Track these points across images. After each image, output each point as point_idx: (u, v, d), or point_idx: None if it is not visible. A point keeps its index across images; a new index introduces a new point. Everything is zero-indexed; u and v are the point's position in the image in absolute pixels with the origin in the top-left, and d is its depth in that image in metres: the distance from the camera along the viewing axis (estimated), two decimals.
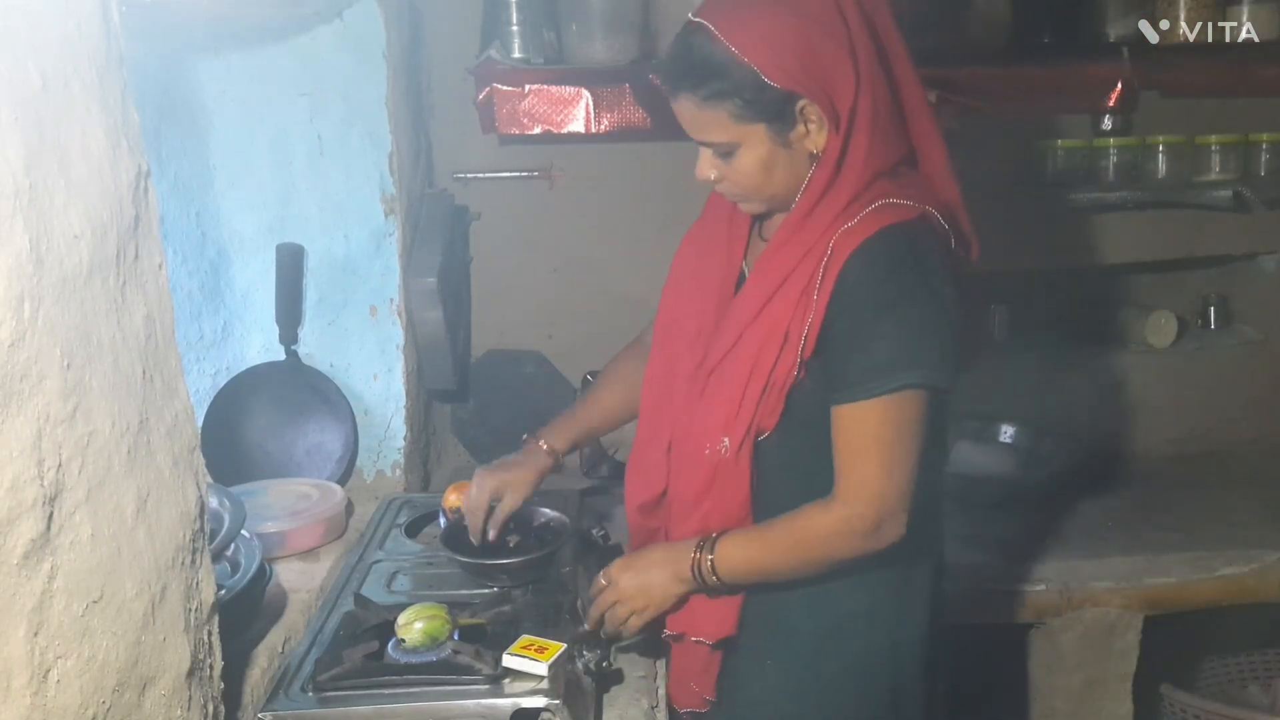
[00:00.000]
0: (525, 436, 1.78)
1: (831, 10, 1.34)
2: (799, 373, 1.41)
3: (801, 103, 1.35)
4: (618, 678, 1.59)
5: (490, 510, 1.73)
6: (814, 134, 1.37)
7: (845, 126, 1.36)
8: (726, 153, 1.40)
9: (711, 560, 1.45)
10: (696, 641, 1.54)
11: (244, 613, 1.50)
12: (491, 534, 1.74)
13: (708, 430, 1.48)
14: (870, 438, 1.38)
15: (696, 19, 1.37)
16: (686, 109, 1.39)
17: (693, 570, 1.46)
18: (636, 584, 1.50)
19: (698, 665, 1.58)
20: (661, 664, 1.66)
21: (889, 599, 1.52)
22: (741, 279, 1.54)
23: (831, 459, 1.42)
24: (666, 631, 1.57)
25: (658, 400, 1.60)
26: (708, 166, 1.44)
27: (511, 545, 1.79)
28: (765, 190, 1.43)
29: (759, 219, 1.54)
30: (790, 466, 1.47)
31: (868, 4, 1.38)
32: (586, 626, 1.53)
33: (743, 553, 1.46)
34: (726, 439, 1.45)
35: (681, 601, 1.52)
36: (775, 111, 1.35)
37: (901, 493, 1.39)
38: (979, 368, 1.56)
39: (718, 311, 1.52)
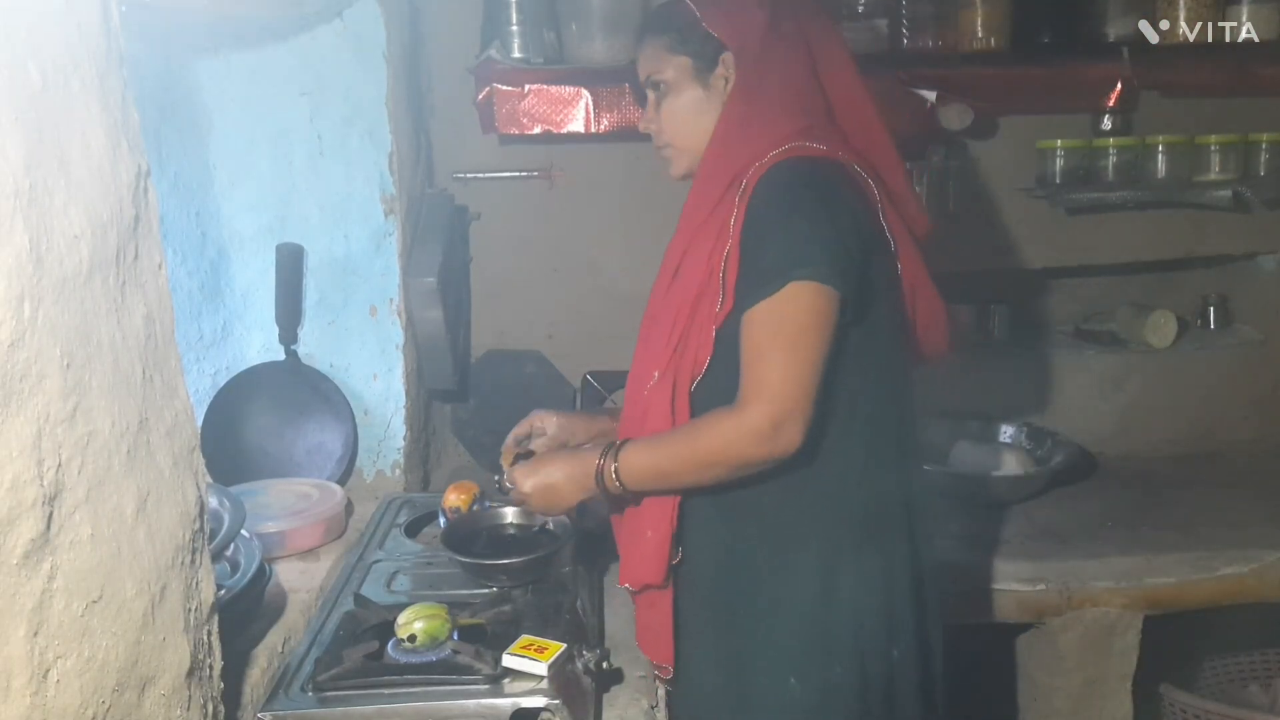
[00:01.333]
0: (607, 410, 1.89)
1: None
2: (725, 299, 1.45)
3: (725, 54, 1.54)
4: (617, 677, 1.59)
5: (524, 443, 1.77)
6: (729, 87, 1.54)
7: (758, 76, 1.51)
8: (661, 94, 1.59)
9: (615, 467, 1.49)
10: (624, 588, 1.59)
11: (244, 613, 1.51)
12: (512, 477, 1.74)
13: (645, 367, 1.54)
14: (764, 336, 1.41)
15: None
16: (643, 49, 1.61)
17: (597, 476, 1.51)
18: (537, 486, 1.59)
19: (649, 632, 1.61)
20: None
21: (814, 527, 1.51)
22: None
23: None
24: (619, 585, 1.62)
25: (636, 374, 1.63)
26: (648, 117, 1.63)
27: (509, 519, 1.83)
28: (686, 136, 1.58)
29: None
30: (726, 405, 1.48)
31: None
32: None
33: (645, 458, 1.49)
34: (656, 372, 1.51)
35: (613, 514, 1.61)
36: (699, 50, 1.55)
37: (798, 392, 1.40)
38: (979, 367, 1.57)
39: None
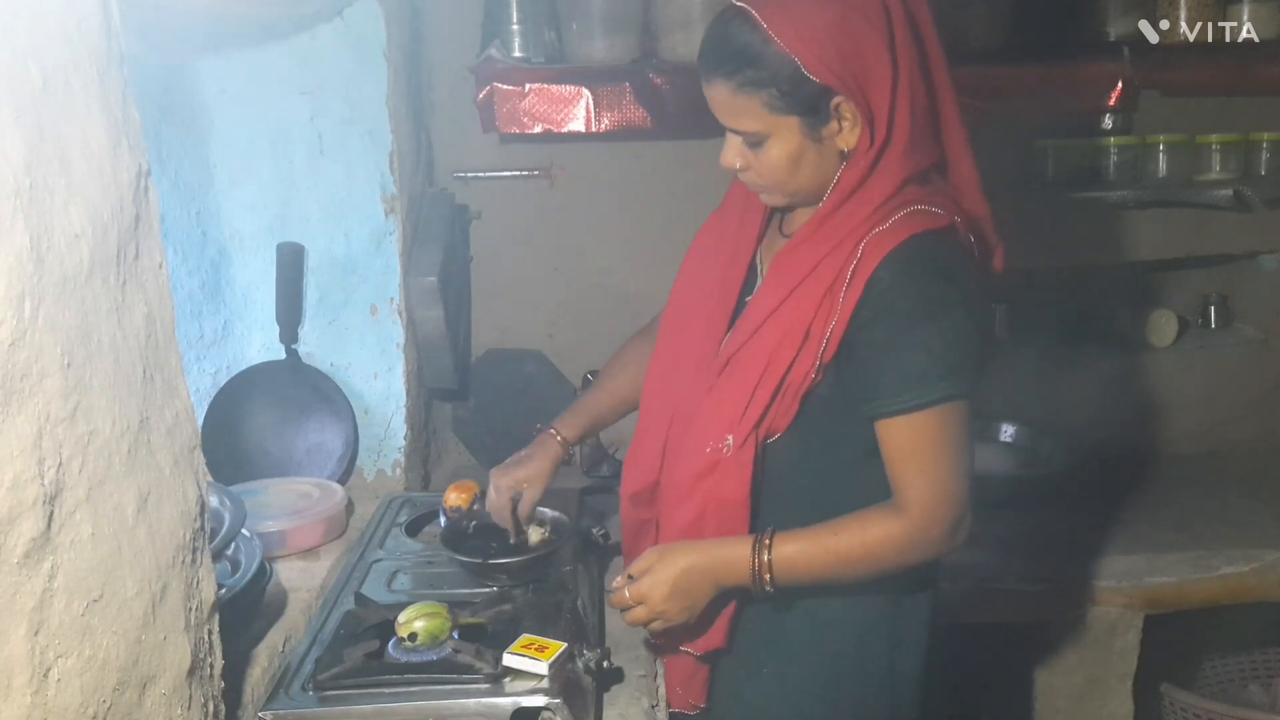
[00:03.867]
0: (538, 427, 1.77)
1: (877, 7, 1.31)
2: (816, 375, 1.39)
3: (837, 99, 1.32)
4: (618, 677, 1.59)
5: (514, 507, 1.74)
6: (846, 132, 1.35)
7: (885, 127, 1.34)
8: (755, 143, 1.37)
9: (769, 562, 1.38)
10: (684, 652, 1.53)
11: (244, 612, 1.51)
12: (523, 528, 1.75)
13: (713, 425, 1.44)
14: (928, 446, 1.36)
15: (739, 3, 1.33)
16: (720, 94, 1.36)
17: (752, 577, 1.39)
18: (678, 596, 1.41)
19: (685, 674, 1.57)
20: (662, 663, 1.66)
21: (886, 614, 1.51)
22: (751, 274, 1.52)
23: (841, 463, 1.43)
24: (653, 639, 1.56)
25: (660, 392, 1.57)
26: (734, 155, 1.40)
27: (533, 540, 1.78)
28: (790, 185, 1.40)
29: (777, 213, 1.52)
30: (799, 469, 1.45)
31: (911, 4, 1.35)
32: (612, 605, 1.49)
33: (803, 559, 1.39)
34: (730, 436, 1.42)
35: None
36: (811, 106, 1.33)
37: (967, 494, 1.39)
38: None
39: (723, 306, 1.51)
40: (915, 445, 1.36)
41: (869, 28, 1.30)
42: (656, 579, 1.41)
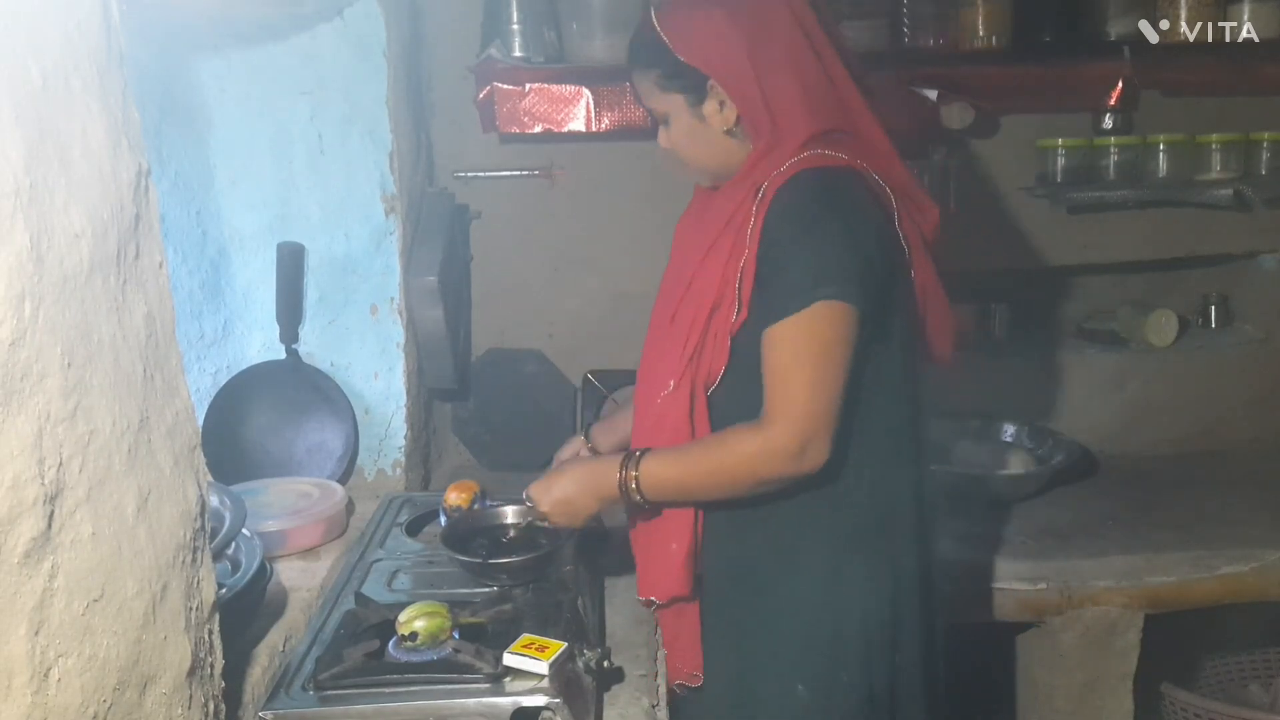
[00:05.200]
0: (581, 438, 1.91)
1: (748, 10, 1.50)
2: (740, 310, 1.46)
3: (711, 81, 1.51)
4: (618, 676, 1.59)
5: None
6: (725, 111, 1.52)
7: (759, 97, 1.48)
8: (665, 121, 1.59)
9: (635, 476, 1.50)
10: (646, 602, 1.61)
11: (245, 611, 1.50)
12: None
13: (659, 376, 1.54)
14: (790, 355, 1.41)
15: (652, 10, 1.58)
16: (634, 80, 1.61)
17: (620, 486, 1.51)
18: (554, 502, 1.61)
19: (670, 633, 1.64)
20: (662, 659, 1.66)
21: (819, 535, 1.53)
22: None
23: None
24: (639, 599, 1.63)
25: (644, 370, 1.64)
26: (662, 136, 1.62)
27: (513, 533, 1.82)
28: (696, 161, 1.59)
29: None
30: (740, 412, 1.48)
31: (796, 8, 1.51)
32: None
33: (667, 470, 1.50)
34: (672, 381, 1.52)
35: (630, 527, 1.62)
36: (689, 85, 1.53)
37: (825, 411, 1.42)
38: (980, 367, 1.58)
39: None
40: (775, 355, 1.43)
41: (725, 17, 1.49)
42: (544, 485, 1.63)
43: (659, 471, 1.50)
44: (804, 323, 1.40)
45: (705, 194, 1.66)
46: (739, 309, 1.46)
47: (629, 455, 1.52)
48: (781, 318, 1.41)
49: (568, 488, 1.60)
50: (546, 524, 1.69)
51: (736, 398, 1.49)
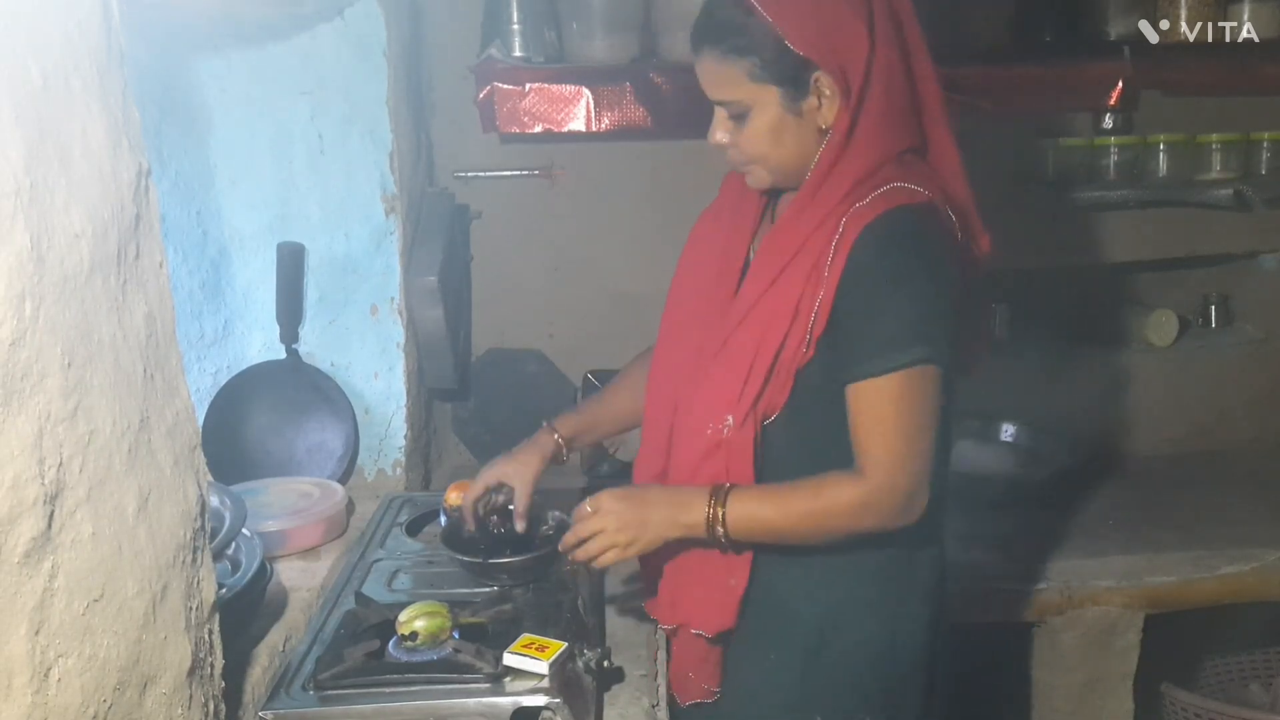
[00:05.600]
0: (544, 424, 1.77)
1: None
2: (808, 350, 1.42)
3: (817, 74, 1.38)
4: (618, 676, 1.59)
5: (489, 500, 1.75)
6: (825, 108, 1.40)
7: (855, 102, 1.38)
8: (739, 114, 1.43)
9: (723, 513, 1.42)
10: (695, 634, 1.54)
11: (245, 611, 1.51)
12: (518, 523, 1.72)
13: (712, 408, 1.47)
14: (892, 411, 1.38)
15: None
16: (707, 64, 1.43)
17: (706, 521, 1.42)
18: (629, 518, 1.45)
19: (697, 657, 1.58)
20: (662, 660, 1.66)
21: (891, 587, 1.52)
22: (747, 265, 1.54)
23: (839, 442, 1.42)
24: (663, 625, 1.58)
25: (663, 383, 1.59)
26: (720, 130, 1.46)
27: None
28: (771, 158, 1.45)
29: (770, 203, 1.56)
30: (798, 449, 1.46)
31: None
32: (561, 552, 1.52)
33: (758, 512, 1.43)
34: (730, 417, 1.45)
35: (663, 552, 1.50)
36: (790, 77, 1.39)
37: (926, 466, 1.41)
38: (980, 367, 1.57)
39: (720, 293, 1.54)
40: (879, 410, 1.39)
41: (847, 7, 1.38)
42: (620, 495, 1.47)
43: (751, 513, 1.42)
44: (903, 381, 1.37)
45: (736, 193, 1.57)
46: (808, 348, 1.41)
47: (717, 489, 1.43)
48: (879, 372, 1.37)
49: (649, 510, 1.45)
50: (573, 561, 1.53)
51: (789, 432, 1.46)
